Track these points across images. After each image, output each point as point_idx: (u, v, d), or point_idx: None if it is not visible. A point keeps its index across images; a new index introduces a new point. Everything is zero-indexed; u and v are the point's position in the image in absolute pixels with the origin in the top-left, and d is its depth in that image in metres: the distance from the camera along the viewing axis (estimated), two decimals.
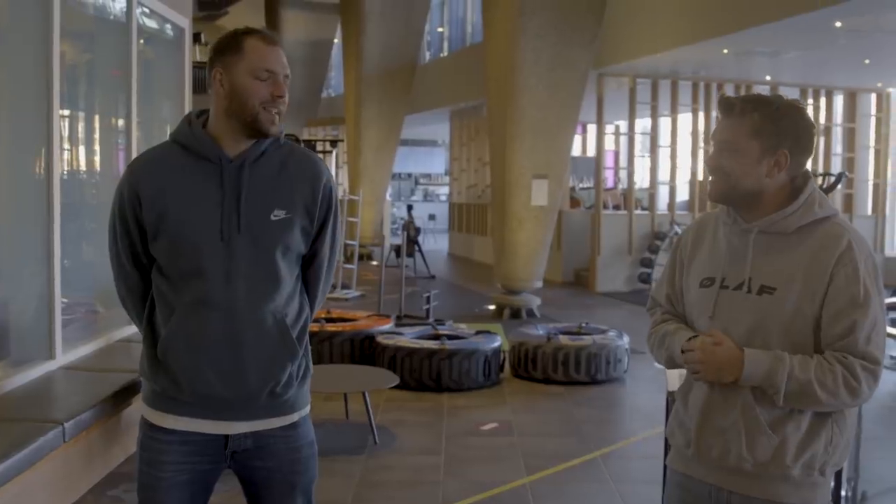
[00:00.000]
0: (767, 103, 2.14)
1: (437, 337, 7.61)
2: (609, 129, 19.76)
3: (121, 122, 6.57)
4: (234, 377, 2.31)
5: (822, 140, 15.22)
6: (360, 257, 15.99)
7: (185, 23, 7.49)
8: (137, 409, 5.24)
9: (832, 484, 4.25)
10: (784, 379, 2.04)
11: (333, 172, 18.44)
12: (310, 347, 2.47)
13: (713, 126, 2.20)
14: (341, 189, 20.89)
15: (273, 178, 2.34)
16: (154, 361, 2.35)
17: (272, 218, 2.31)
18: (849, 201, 15.42)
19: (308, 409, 2.50)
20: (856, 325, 2.04)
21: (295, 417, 2.43)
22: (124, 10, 6.35)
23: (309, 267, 2.46)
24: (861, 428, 4.74)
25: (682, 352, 2.18)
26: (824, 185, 6.33)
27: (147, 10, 6.79)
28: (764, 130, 2.11)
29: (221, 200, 2.29)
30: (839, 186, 14.99)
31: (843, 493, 4.70)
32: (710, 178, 2.20)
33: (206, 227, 2.28)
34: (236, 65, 2.28)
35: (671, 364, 2.27)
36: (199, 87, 23.04)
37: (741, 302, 2.14)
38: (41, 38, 5.11)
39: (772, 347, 2.08)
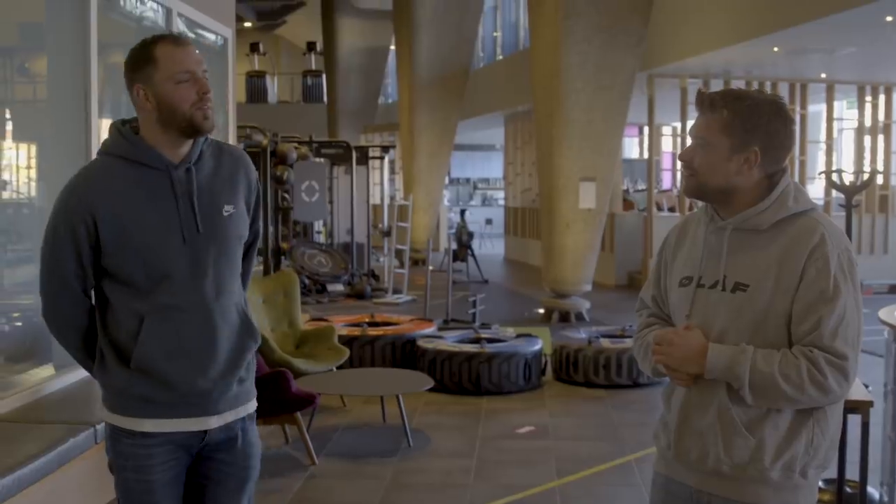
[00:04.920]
0: (740, 99, 2.12)
1: (477, 340, 7.62)
2: (667, 130, 19.57)
3: None
4: (213, 370, 2.40)
5: (881, 138, 14.90)
6: (415, 262, 16.06)
7: (228, 32, 7.61)
8: None
9: (836, 486, 4.19)
10: (746, 371, 2.02)
11: (386, 179, 18.54)
12: None
13: None
14: (397, 194, 21.03)
15: (215, 176, 2.44)
16: (123, 372, 2.37)
17: (224, 213, 2.42)
18: None
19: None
20: (822, 320, 2.01)
21: (254, 405, 2.55)
22: (164, 21, 6.49)
23: (246, 251, 2.59)
24: None
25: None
26: (858, 183, 6.19)
27: (189, 20, 6.93)
28: (733, 127, 2.09)
29: (176, 204, 2.36)
30: None
31: (878, 496, 4.63)
32: (683, 172, 2.20)
33: (167, 232, 2.35)
34: (154, 76, 2.31)
35: (657, 374, 2.26)
36: (255, 95, 23.30)
37: (716, 300, 2.13)
38: (80, 49, 5.26)
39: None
